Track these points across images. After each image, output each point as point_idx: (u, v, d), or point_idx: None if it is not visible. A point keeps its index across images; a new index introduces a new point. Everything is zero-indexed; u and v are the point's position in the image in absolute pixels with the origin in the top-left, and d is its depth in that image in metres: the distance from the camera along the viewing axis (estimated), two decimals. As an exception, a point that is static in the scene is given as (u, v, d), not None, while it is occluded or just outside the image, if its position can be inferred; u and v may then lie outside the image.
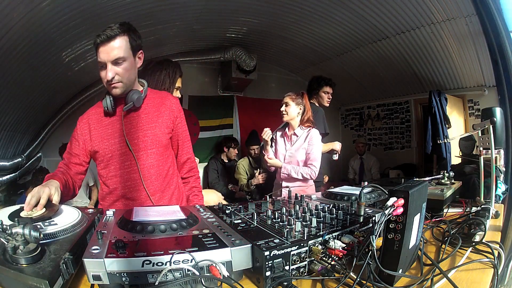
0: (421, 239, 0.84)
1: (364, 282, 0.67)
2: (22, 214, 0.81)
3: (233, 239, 0.71)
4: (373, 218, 0.91)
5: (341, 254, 0.72)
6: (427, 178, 1.52)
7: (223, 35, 3.93)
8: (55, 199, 0.93)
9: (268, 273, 0.66)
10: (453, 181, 1.48)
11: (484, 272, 0.80)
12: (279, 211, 0.92)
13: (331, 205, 0.99)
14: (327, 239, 0.76)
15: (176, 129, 1.36)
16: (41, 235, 0.61)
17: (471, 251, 0.91)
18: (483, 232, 0.98)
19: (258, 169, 3.55)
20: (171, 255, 0.60)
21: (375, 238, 0.67)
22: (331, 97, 2.79)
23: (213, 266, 0.62)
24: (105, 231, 0.72)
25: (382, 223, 0.67)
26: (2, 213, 0.81)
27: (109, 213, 0.89)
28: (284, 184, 2.19)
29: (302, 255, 0.71)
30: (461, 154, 2.88)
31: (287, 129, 2.31)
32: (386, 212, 0.66)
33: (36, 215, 0.81)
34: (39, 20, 2.35)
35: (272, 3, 3.23)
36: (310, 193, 1.55)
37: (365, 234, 0.84)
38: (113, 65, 1.16)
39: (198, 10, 3.18)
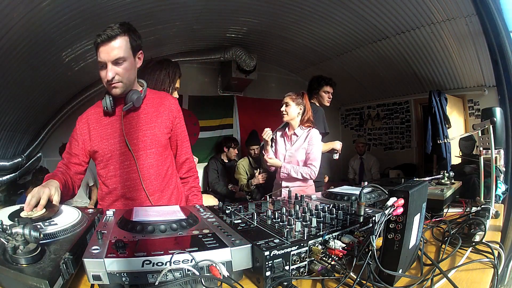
0: (421, 239, 0.84)
1: (364, 282, 0.67)
2: (22, 214, 0.81)
3: (233, 239, 0.71)
4: (373, 218, 0.91)
5: (341, 254, 0.72)
6: (427, 178, 1.52)
7: (223, 35, 3.93)
8: (55, 199, 0.93)
9: (268, 273, 0.66)
10: (453, 181, 1.48)
11: (484, 272, 0.80)
12: (279, 211, 0.92)
13: (331, 205, 0.99)
14: (327, 239, 0.76)
15: (175, 129, 1.36)
16: (41, 235, 0.61)
17: (471, 251, 0.91)
18: (483, 232, 0.98)
19: (258, 169, 3.55)
20: (171, 255, 0.60)
21: (375, 238, 0.67)
22: (331, 97, 2.79)
23: (213, 266, 0.62)
24: (105, 231, 0.72)
25: (382, 223, 0.67)
26: (2, 213, 0.81)
27: (109, 213, 0.89)
28: (284, 184, 2.19)
29: (302, 255, 0.71)
30: (461, 154, 2.88)
31: (287, 129, 2.31)
32: (386, 212, 0.66)
33: (36, 215, 0.80)
34: (39, 20, 2.35)
35: (272, 3, 3.23)
36: (310, 193, 1.55)
37: (365, 234, 0.84)
38: (113, 65, 1.16)
39: (198, 10, 3.18)
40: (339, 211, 0.91)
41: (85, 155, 1.28)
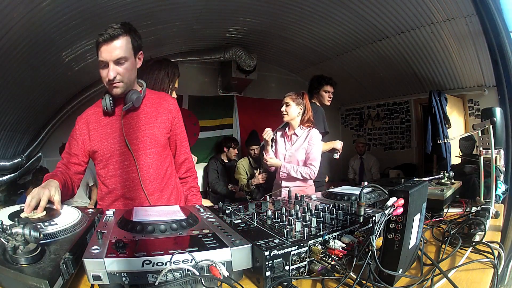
0: (421, 239, 0.84)
1: (364, 282, 0.67)
2: (22, 215, 0.81)
3: (233, 239, 0.71)
4: (373, 218, 0.91)
5: (341, 254, 0.72)
6: (427, 178, 1.52)
7: (223, 35, 3.93)
8: (56, 198, 0.92)
9: (268, 273, 0.66)
10: (453, 181, 1.48)
11: (484, 272, 0.80)
12: (279, 211, 0.92)
13: (331, 205, 0.99)
14: (327, 239, 0.76)
15: (174, 129, 1.36)
16: (41, 235, 0.61)
17: (471, 251, 0.91)
18: (483, 232, 0.98)
19: (258, 169, 3.55)
20: (171, 255, 0.60)
21: (375, 238, 0.67)
22: (332, 96, 2.79)
23: (213, 266, 0.62)
24: (105, 231, 0.72)
25: (382, 223, 0.67)
26: (2, 213, 0.81)
27: (109, 213, 0.89)
28: (284, 184, 2.19)
29: (302, 255, 0.71)
30: (461, 154, 2.88)
31: (287, 129, 2.31)
32: (386, 212, 0.66)
33: (36, 217, 0.80)
34: (39, 20, 2.35)
35: (272, 3, 3.23)
36: (310, 193, 1.55)
37: (365, 234, 0.84)
38: (115, 65, 1.16)
39: (198, 10, 3.18)
40: (339, 211, 0.91)
41: (84, 155, 1.28)
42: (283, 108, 2.22)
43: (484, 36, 2.14)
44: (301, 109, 2.21)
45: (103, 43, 1.13)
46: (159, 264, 0.60)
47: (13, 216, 0.77)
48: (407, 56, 3.79)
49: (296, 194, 1.23)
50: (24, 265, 0.57)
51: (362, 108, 5.52)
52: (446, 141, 3.40)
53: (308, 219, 0.85)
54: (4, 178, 3.16)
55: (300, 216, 0.89)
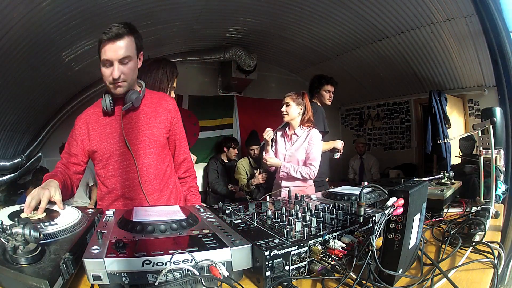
0: (421, 239, 0.84)
1: (364, 282, 0.67)
2: (22, 215, 0.81)
3: (233, 239, 0.71)
4: (373, 218, 0.91)
5: (341, 254, 0.72)
6: (427, 178, 1.52)
7: (223, 35, 3.93)
8: (57, 198, 0.92)
9: (268, 273, 0.66)
10: (453, 181, 1.48)
11: (484, 272, 0.80)
12: (279, 211, 0.92)
13: (331, 205, 0.99)
14: (327, 239, 0.76)
15: (173, 129, 1.36)
16: (41, 235, 0.61)
17: (471, 251, 0.91)
18: (483, 232, 0.98)
19: (258, 169, 3.55)
20: (171, 255, 0.60)
21: (375, 238, 0.67)
22: (332, 96, 2.79)
23: (213, 266, 0.62)
24: (105, 231, 0.72)
25: (382, 223, 0.67)
26: (2, 213, 0.81)
27: (109, 213, 0.89)
28: (283, 184, 2.19)
29: (302, 255, 0.71)
30: (461, 154, 2.88)
31: (287, 129, 2.31)
32: (386, 212, 0.66)
33: (36, 218, 0.80)
34: (39, 20, 2.34)
35: (272, 3, 3.23)
36: (310, 193, 1.55)
37: (365, 234, 0.84)
38: (120, 64, 1.16)
39: (198, 10, 3.18)
40: (339, 211, 0.91)
41: (84, 155, 1.28)
42: (283, 108, 2.22)
43: (484, 36, 2.14)
44: (301, 109, 2.21)
45: (108, 42, 1.12)
46: (159, 264, 0.60)
47: (13, 216, 0.77)
48: (407, 56, 3.79)
49: (296, 194, 1.23)
50: (24, 265, 0.57)
51: (362, 108, 5.52)
52: (446, 141, 3.40)
53: (308, 219, 0.85)
54: (4, 178, 3.16)
55: (300, 216, 0.89)
